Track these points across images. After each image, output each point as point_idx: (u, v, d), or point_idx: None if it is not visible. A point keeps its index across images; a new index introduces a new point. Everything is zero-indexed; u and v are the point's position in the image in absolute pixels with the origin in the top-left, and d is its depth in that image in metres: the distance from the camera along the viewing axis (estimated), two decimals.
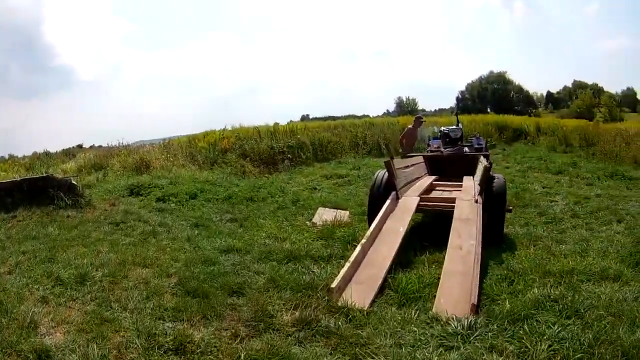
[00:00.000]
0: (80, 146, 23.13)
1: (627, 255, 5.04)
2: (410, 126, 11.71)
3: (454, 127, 9.50)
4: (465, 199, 5.67)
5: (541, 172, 12.40)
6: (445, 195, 6.45)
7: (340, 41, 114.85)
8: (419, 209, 5.79)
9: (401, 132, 12.54)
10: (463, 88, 59.38)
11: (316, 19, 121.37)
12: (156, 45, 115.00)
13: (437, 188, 7.02)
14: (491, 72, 57.89)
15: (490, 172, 5.62)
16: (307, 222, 6.79)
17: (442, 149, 8.68)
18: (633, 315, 3.50)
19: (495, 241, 5.40)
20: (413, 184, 6.66)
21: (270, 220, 7.07)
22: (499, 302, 3.90)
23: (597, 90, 45.10)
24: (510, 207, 6.18)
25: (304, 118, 39.58)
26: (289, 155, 13.59)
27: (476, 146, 8.92)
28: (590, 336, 3.17)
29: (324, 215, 6.84)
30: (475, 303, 3.58)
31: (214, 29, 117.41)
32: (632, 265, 4.72)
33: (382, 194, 5.85)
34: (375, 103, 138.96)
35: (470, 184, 6.42)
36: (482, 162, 6.14)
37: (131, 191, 9.30)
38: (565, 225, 6.77)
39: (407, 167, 6.91)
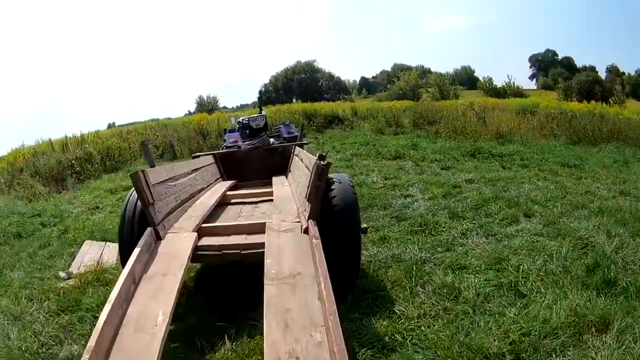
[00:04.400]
0: None
1: (592, 279, 3.95)
2: None
3: (256, 115, 9.58)
4: (284, 226, 4.20)
5: (372, 159, 11.92)
6: (245, 218, 5.17)
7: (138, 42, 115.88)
8: (198, 257, 4.23)
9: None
10: (267, 81, 61.91)
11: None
12: None
13: (233, 201, 6.06)
14: (298, 62, 60.86)
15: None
16: (61, 274, 5.96)
17: (240, 144, 8.49)
18: None
19: (344, 293, 4.00)
20: (193, 201, 5.51)
21: (23, 271, 6.26)
22: None
23: (423, 71, 49.08)
24: (365, 226, 4.61)
25: (111, 126, 37.97)
26: (77, 169, 14.23)
27: (286, 135, 9.08)
28: None
29: (88, 254, 6.49)
30: None
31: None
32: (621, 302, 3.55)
33: (137, 230, 4.43)
34: (176, 104, 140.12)
35: (286, 192, 5.73)
36: (303, 157, 5.52)
37: None
38: (447, 233, 5.57)
39: (182, 176, 5.78)
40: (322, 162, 3.74)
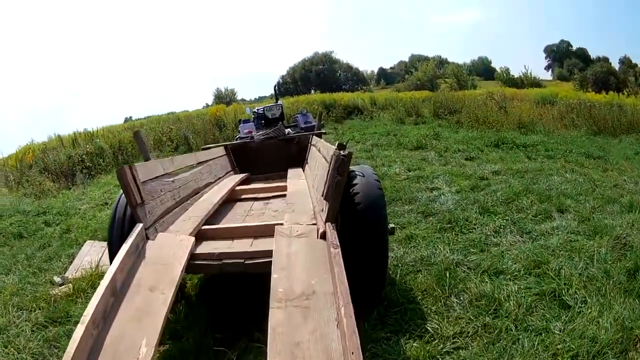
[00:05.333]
0: None
1: (633, 284, 3.56)
2: None
3: (272, 104, 9.18)
4: (297, 230, 3.44)
5: (393, 150, 11.31)
6: (253, 218, 4.49)
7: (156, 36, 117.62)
8: (194, 267, 3.51)
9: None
10: (285, 73, 60.93)
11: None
12: None
13: (243, 196, 5.43)
14: (316, 53, 59.87)
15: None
16: (56, 279, 5.63)
17: (254, 134, 8.01)
18: None
19: (368, 307, 3.49)
20: (195, 198, 4.84)
21: (18, 275, 5.90)
22: None
23: (440, 62, 48.43)
24: (392, 226, 3.85)
25: (127, 120, 38.30)
26: (88, 164, 13.93)
27: (303, 125, 8.70)
28: None
29: (88, 256, 6.18)
30: None
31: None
32: None
33: (127, 232, 3.62)
34: (194, 98, 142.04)
35: (301, 186, 5.07)
36: (320, 147, 4.84)
37: None
38: (479, 231, 5.05)
39: (183, 170, 5.17)
40: (342, 153, 3.14)
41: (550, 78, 53.16)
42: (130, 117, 43.83)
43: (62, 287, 5.52)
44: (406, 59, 60.30)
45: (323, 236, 3.13)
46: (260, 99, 44.29)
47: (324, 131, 7.62)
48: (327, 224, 3.16)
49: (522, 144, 10.52)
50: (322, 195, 3.46)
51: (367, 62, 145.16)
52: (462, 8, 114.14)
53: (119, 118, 60.39)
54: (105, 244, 6.01)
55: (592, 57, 52.30)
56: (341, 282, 2.44)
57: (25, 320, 4.60)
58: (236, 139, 8.71)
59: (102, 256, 6.00)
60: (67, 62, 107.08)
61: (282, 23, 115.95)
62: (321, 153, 4.50)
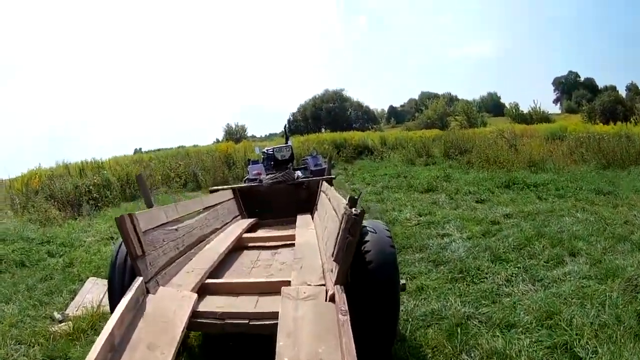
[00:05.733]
0: None
1: None
2: None
3: (282, 145, 8.92)
4: (304, 292, 3.18)
5: (404, 192, 11.24)
6: (260, 269, 4.27)
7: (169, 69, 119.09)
8: (196, 324, 3.26)
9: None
10: (295, 110, 61.25)
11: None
12: None
13: (250, 244, 5.18)
14: (326, 91, 60.30)
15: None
16: (56, 315, 5.53)
17: (263, 176, 7.82)
18: None
19: None
20: (200, 247, 4.57)
21: (18, 306, 5.86)
22: None
23: (450, 99, 48.79)
24: (404, 282, 3.69)
25: (137, 151, 39.26)
26: (95, 195, 13.89)
27: (313, 167, 8.75)
28: None
29: (89, 294, 5.98)
30: None
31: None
32: None
33: (128, 282, 3.42)
34: (205, 132, 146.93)
35: (310, 237, 4.76)
36: (331, 197, 4.59)
37: None
38: (490, 280, 4.94)
39: (188, 217, 4.88)
40: (353, 212, 2.90)
41: (559, 111, 53.37)
42: (140, 149, 44.09)
43: (62, 324, 5.44)
44: (416, 97, 60.89)
45: (332, 298, 2.97)
46: (271, 136, 44.61)
47: (333, 176, 7.48)
48: (336, 286, 2.98)
49: (532, 183, 10.44)
50: (332, 256, 3.22)
51: (378, 100, 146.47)
52: (471, 42, 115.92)
53: (129, 148, 60.22)
54: (106, 283, 5.79)
55: (599, 87, 52.56)
56: (349, 352, 2.30)
57: (24, 355, 4.59)
58: (245, 180, 8.65)
59: (103, 296, 5.75)
60: (82, 89, 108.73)
61: (294, 60, 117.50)
62: (331, 203, 4.33)
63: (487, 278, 4.90)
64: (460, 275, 5.08)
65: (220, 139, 51.99)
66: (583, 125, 22.63)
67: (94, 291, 6.07)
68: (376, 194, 11.29)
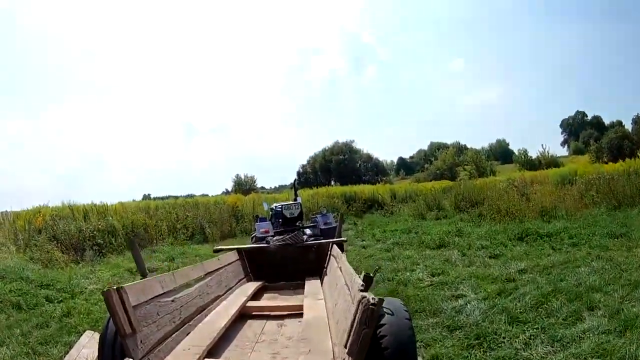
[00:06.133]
0: None
1: None
2: None
3: (290, 202, 8.95)
4: None
5: (415, 249, 10.95)
6: (264, 346, 3.84)
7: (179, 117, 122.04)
8: None
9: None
10: (305, 162, 62.12)
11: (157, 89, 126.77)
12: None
13: (255, 313, 4.85)
14: (336, 143, 61.12)
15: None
16: None
17: (271, 235, 7.75)
18: None
19: None
20: (200, 318, 4.23)
21: (12, 351, 5.84)
22: None
23: (459, 148, 49.14)
24: None
25: (146, 197, 39.52)
26: (99, 241, 13.64)
27: (322, 226, 8.58)
28: None
29: (85, 349, 5.73)
30: None
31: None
32: None
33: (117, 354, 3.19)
34: (215, 182, 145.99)
35: (319, 310, 4.27)
36: (341, 265, 4.42)
37: None
38: (508, 345, 4.65)
39: (186, 286, 4.52)
40: (371, 300, 2.54)
41: (567, 153, 53.49)
42: (149, 195, 44.60)
43: None
44: (425, 147, 61.57)
45: None
46: (280, 188, 45.13)
47: (344, 239, 7.32)
48: None
49: (545, 233, 10.22)
50: (345, 347, 2.81)
51: (387, 150, 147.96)
52: (479, 89, 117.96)
53: (137, 193, 60.15)
54: None
55: (606, 123, 52.88)
56: None
57: None
58: (252, 238, 8.61)
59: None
60: (96, 129, 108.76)
61: (304, 109, 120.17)
62: (343, 274, 4.05)
63: (504, 342, 4.66)
64: (476, 341, 4.81)
65: (229, 189, 52.91)
66: (592, 166, 22.57)
67: (89, 346, 5.80)
68: (387, 250, 11.08)
